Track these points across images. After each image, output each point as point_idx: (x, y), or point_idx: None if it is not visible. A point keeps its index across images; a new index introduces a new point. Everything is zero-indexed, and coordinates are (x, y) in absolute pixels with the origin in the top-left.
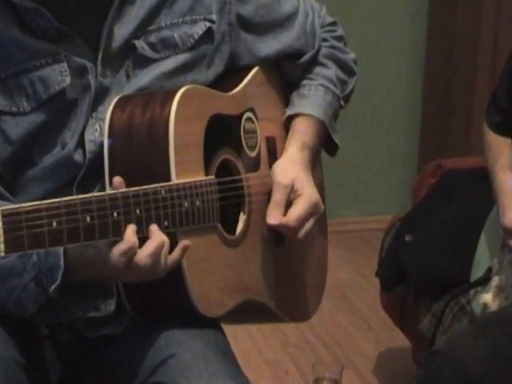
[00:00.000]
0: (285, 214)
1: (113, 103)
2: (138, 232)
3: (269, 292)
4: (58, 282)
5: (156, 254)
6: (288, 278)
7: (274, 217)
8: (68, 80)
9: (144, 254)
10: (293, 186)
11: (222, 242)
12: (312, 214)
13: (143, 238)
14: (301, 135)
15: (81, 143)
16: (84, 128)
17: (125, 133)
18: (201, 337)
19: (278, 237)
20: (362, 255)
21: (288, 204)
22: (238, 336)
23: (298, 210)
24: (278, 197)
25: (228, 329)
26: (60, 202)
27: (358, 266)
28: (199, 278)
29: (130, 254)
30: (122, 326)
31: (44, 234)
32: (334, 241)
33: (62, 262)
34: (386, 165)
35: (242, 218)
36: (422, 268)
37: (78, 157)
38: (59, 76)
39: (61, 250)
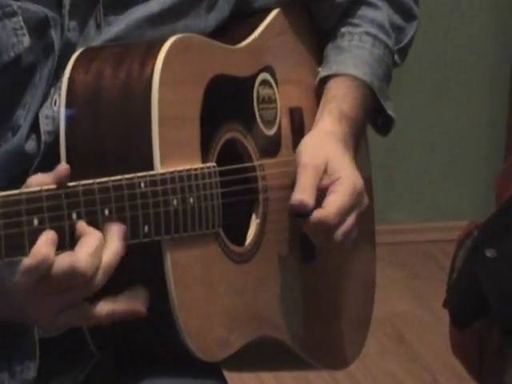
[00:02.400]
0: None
1: (73, 59)
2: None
3: (291, 327)
4: None
5: (98, 254)
6: (319, 307)
7: (302, 196)
8: (26, 41)
9: (84, 254)
10: (326, 167)
11: (225, 256)
12: (354, 207)
13: None
14: (338, 102)
15: (36, 124)
16: (43, 104)
17: (89, 101)
18: None
19: (306, 249)
20: (423, 277)
21: (320, 193)
22: None
23: (338, 198)
24: (305, 179)
25: (234, 379)
26: None
27: (419, 291)
28: (193, 307)
29: (39, 271)
30: (84, 373)
31: None
32: (383, 256)
33: None
34: (459, 151)
35: (255, 222)
36: (510, 296)
37: (31, 145)
38: (13, 36)
39: None
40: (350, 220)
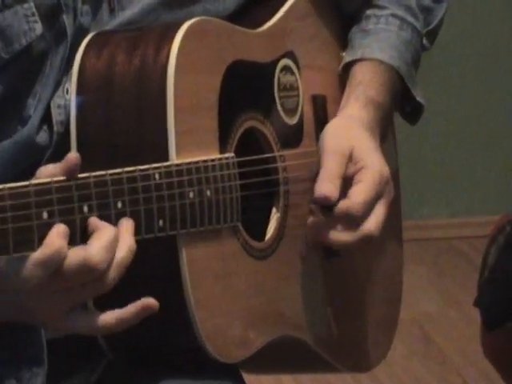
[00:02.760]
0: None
1: (84, 43)
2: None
3: (313, 327)
4: None
5: (111, 248)
6: (343, 306)
7: (327, 188)
8: (38, 28)
9: (97, 248)
10: (351, 155)
11: (244, 252)
12: (381, 196)
13: None
14: (364, 88)
15: (48, 115)
16: (54, 93)
17: (102, 88)
18: None
19: None
20: (453, 275)
21: (345, 182)
22: None
23: (364, 188)
24: (330, 166)
25: (251, 382)
26: (4, 189)
27: (447, 290)
28: (211, 306)
29: (53, 264)
30: (96, 374)
31: None
32: (410, 253)
33: None
34: (489, 143)
35: (275, 216)
36: None
37: (42, 136)
38: (25, 23)
39: None
40: (380, 209)
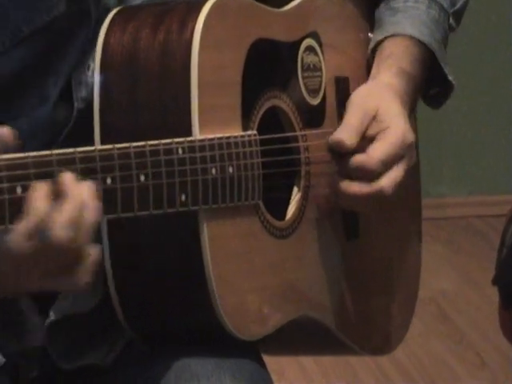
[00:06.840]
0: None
1: (108, 19)
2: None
3: (333, 308)
4: None
5: (76, 222)
6: (362, 287)
7: (341, 135)
8: (62, 6)
9: (59, 224)
10: (376, 114)
11: (265, 230)
12: (401, 158)
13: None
14: (396, 59)
15: (68, 92)
16: (75, 71)
17: (125, 64)
18: (230, 369)
19: (349, 226)
20: (470, 254)
21: (367, 141)
22: (285, 373)
23: (383, 146)
24: (350, 119)
25: (271, 363)
26: (28, 157)
27: (465, 269)
28: (231, 283)
29: (41, 231)
30: (114, 352)
31: (3, 205)
32: (428, 232)
33: None
34: (507, 121)
35: (296, 195)
36: None
37: (62, 113)
38: None
39: None
40: (397, 170)
